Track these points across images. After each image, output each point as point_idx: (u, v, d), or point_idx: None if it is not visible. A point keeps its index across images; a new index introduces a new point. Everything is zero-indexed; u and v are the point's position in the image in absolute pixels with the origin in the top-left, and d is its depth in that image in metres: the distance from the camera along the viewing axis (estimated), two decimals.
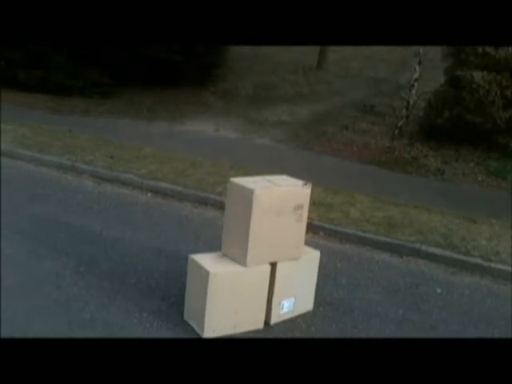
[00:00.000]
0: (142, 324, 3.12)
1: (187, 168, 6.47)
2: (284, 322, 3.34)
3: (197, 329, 3.07)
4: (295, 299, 3.38)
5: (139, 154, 6.87)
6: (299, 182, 3.21)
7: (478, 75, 8.02)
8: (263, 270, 3.12)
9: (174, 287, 3.55)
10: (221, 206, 5.11)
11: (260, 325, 3.21)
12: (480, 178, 7.89)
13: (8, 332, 2.82)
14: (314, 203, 5.60)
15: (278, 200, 3.04)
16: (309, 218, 5.10)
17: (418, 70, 8.90)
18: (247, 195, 2.94)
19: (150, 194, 5.69)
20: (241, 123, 10.10)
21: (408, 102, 9.00)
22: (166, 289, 3.56)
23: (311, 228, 5.01)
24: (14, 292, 3.31)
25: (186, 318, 3.19)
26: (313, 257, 3.47)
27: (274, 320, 3.28)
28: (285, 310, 3.34)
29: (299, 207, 3.14)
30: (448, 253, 4.83)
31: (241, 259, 3.05)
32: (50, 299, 3.28)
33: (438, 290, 4.19)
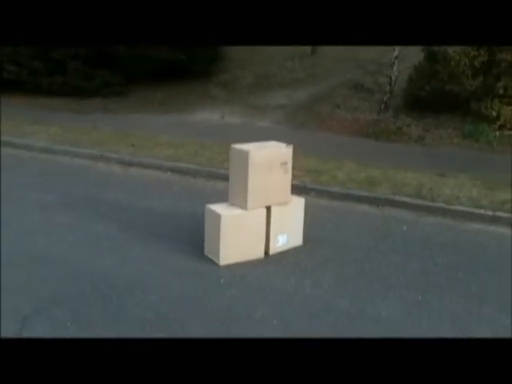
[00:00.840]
0: (177, 258, 4.23)
1: (199, 150, 7.58)
2: (280, 252, 4.44)
3: (214, 259, 4.18)
4: (288, 235, 4.46)
5: (156, 142, 7.99)
6: (283, 145, 4.30)
7: (450, 49, 8.99)
8: (260, 212, 4.21)
9: (196, 234, 4.63)
10: (228, 179, 6.22)
11: (261, 254, 4.30)
12: (456, 141, 8.91)
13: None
14: (307, 170, 6.72)
15: (267, 158, 4.13)
16: (302, 181, 6.23)
17: (397, 49, 9.90)
18: (244, 156, 4.04)
19: (169, 173, 6.81)
20: (243, 110, 11.14)
21: (390, 78, 10.00)
22: (190, 236, 4.66)
23: (304, 190, 6.11)
24: (80, 243, 4.47)
25: (206, 253, 4.30)
26: (299, 202, 4.56)
27: (272, 251, 4.36)
28: (280, 243, 4.42)
29: (284, 163, 4.22)
30: (417, 201, 5.87)
31: (243, 205, 4.14)
32: (103, 248, 4.42)
33: (404, 228, 5.26)
